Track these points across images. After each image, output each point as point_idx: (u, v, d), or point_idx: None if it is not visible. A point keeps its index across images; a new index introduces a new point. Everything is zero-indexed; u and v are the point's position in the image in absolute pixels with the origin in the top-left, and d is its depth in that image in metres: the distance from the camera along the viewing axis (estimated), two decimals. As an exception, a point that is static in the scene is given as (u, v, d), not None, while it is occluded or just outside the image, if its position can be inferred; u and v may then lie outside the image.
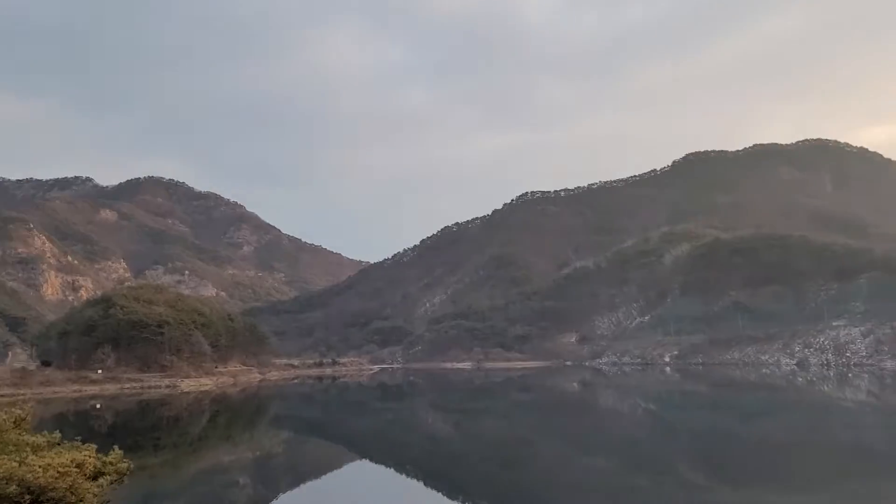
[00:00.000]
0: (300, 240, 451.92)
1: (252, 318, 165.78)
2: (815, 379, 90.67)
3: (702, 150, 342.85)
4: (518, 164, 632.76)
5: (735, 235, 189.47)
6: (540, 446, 40.02)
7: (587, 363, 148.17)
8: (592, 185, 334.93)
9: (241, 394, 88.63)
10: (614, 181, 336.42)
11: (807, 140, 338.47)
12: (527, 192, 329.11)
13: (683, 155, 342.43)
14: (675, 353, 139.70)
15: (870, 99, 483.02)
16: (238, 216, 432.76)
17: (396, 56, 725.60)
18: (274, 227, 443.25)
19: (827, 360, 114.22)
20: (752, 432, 44.80)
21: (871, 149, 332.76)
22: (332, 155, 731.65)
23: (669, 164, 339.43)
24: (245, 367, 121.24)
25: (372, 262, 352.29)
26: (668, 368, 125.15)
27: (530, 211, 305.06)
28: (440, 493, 26.92)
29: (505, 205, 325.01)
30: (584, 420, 54.86)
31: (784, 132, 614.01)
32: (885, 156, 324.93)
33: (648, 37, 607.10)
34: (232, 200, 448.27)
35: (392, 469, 33.24)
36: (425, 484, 28.68)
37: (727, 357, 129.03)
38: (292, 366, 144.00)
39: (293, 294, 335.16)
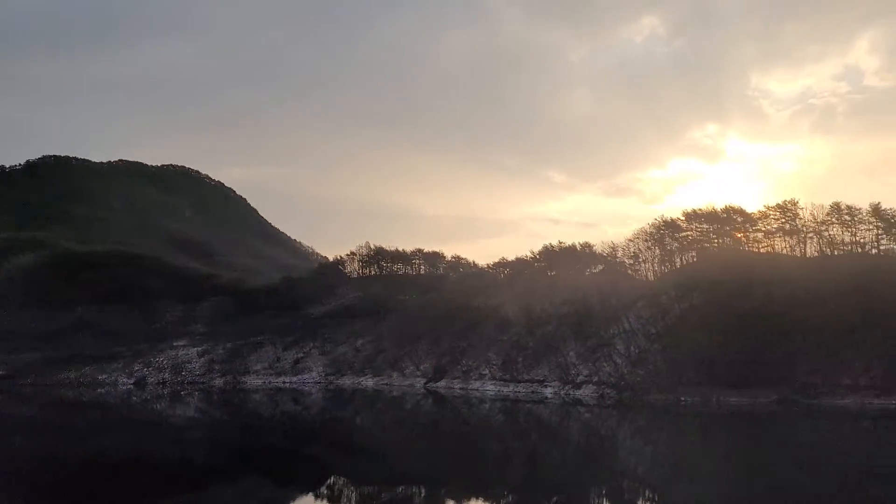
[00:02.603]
0: None
1: None
2: (150, 397, 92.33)
3: (63, 154, 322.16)
4: None
5: (89, 249, 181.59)
6: None
7: None
8: None
9: None
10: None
11: (172, 165, 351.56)
12: None
13: (40, 156, 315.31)
14: (3, 373, 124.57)
15: (228, 145, 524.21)
16: None
17: None
18: None
19: (164, 378, 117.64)
20: (78, 454, 42.44)
21: (227, 184, 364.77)
22: None
23: (23, 163, 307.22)
24: None
25: None
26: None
27: None
28: None
29: None
30: None
31: (152, 153, 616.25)
32: (239, 192, 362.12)
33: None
34: None
35: None
36: None
37: (63, 377, 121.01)
38: None
39: None
